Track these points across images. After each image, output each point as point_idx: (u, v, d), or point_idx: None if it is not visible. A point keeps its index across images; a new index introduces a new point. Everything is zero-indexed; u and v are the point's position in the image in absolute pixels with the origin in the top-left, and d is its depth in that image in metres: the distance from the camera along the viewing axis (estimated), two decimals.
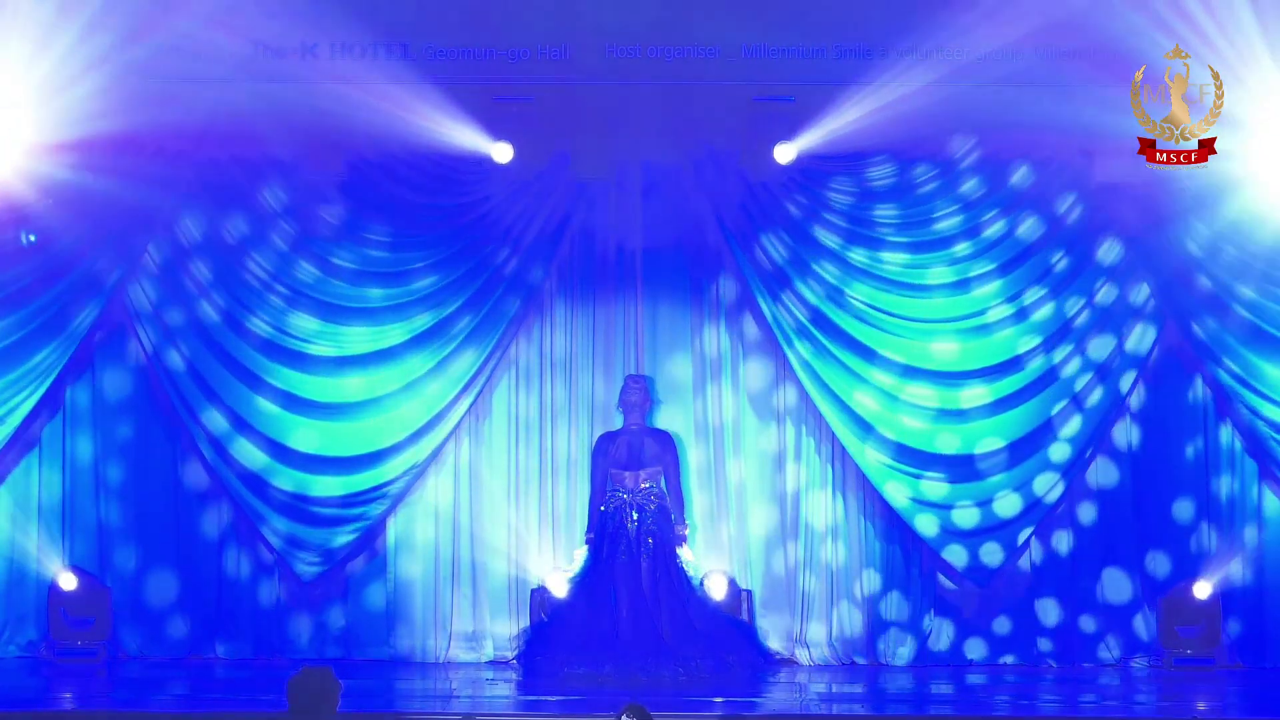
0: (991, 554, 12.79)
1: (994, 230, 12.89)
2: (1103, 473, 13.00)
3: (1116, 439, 12.97)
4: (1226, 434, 12.90)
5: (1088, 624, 12.88)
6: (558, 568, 12.59)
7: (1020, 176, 12.82)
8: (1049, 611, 12.91)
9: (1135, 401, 12.98)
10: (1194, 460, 12.92)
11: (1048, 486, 12.81)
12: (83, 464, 12.97)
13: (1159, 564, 12.89)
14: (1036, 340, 12.88)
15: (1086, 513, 12.96)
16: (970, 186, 12.87)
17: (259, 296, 12.91)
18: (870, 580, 12.97)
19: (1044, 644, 12.88)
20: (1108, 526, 12.92)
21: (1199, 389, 12.92)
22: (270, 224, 12.92)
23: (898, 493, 12.81)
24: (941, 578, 12.91)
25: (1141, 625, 12.84)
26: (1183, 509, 12.93)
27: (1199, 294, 12.70)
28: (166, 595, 12.96)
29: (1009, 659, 12.87)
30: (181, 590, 12.96)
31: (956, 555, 12.79)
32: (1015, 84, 12.05)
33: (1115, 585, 12.87)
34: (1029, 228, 12.88)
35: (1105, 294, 12.86)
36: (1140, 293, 12.86)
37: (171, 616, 12.96)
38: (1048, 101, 12.06)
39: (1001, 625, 12.93)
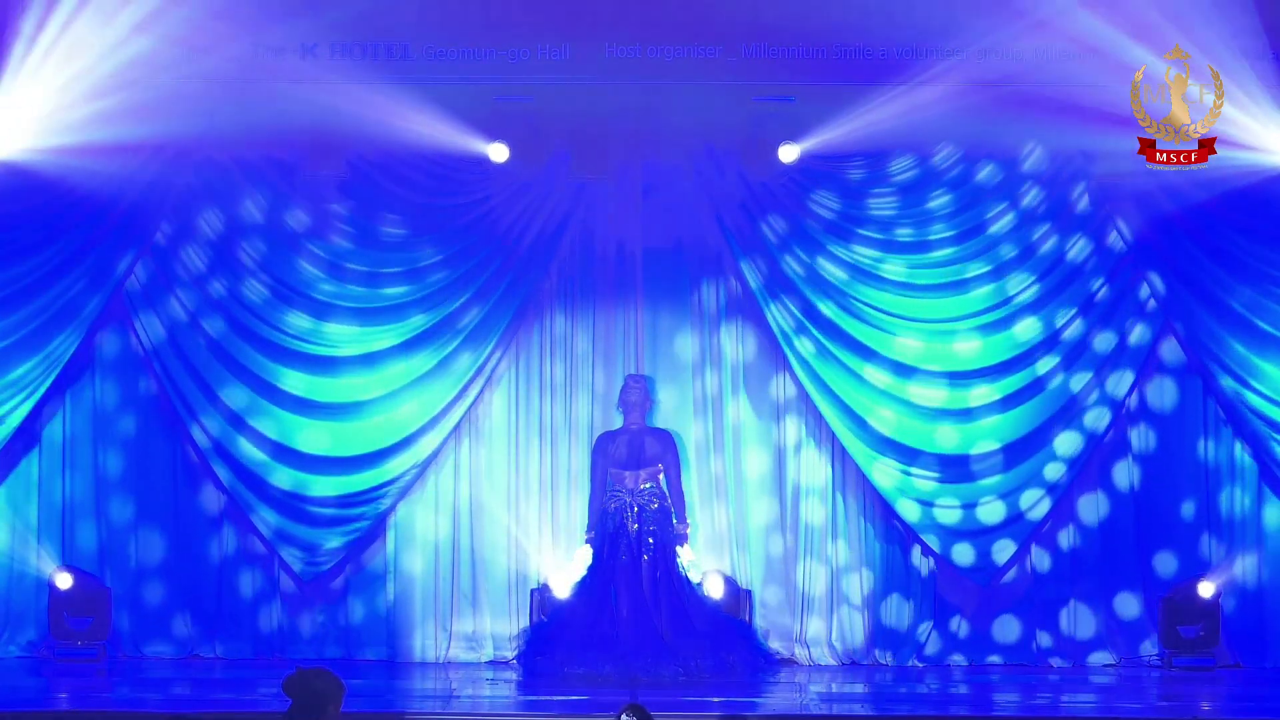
0: (999, 553, 12.80)
1: (1000, 232, 12.90)
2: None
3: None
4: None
5: (1088, 629, 12.89)
6: (561, 567, 12.58)
7: (1030, 187, 12.83)
8: (1050, 614, 12.90)
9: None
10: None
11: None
12: (84, 465, 12.97)
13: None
14: (1045, 355, 12.89)
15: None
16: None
17: (255, 294, 12.92)
18: (870, 581, 12.97)
19: (1046, 645, 12.87)
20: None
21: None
22: (269, 223, 12.94)
23: (894, 491, 12.82)
24: (941, 579, 12.91)
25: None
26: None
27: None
28: (167, 596, 12.97)
29: (1010, 659, 12.87)
30: (182, 591, 12.96)
31: (961, 554, 12.80)
32: (1022, 88, 12.05)
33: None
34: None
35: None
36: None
37: (172, 617, 12.96)
38: (1056, 107, 12.08)
39: (1003, 626, 12.92)
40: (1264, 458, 12.75)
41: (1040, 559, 12.94)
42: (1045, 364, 12.89)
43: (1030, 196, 12.87)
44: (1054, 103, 12.01)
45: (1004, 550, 12.82)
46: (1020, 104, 12.06)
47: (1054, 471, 12.82)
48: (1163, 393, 12.98)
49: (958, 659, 12.88)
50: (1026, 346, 12.90)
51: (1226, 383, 12.67)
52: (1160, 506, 12.93)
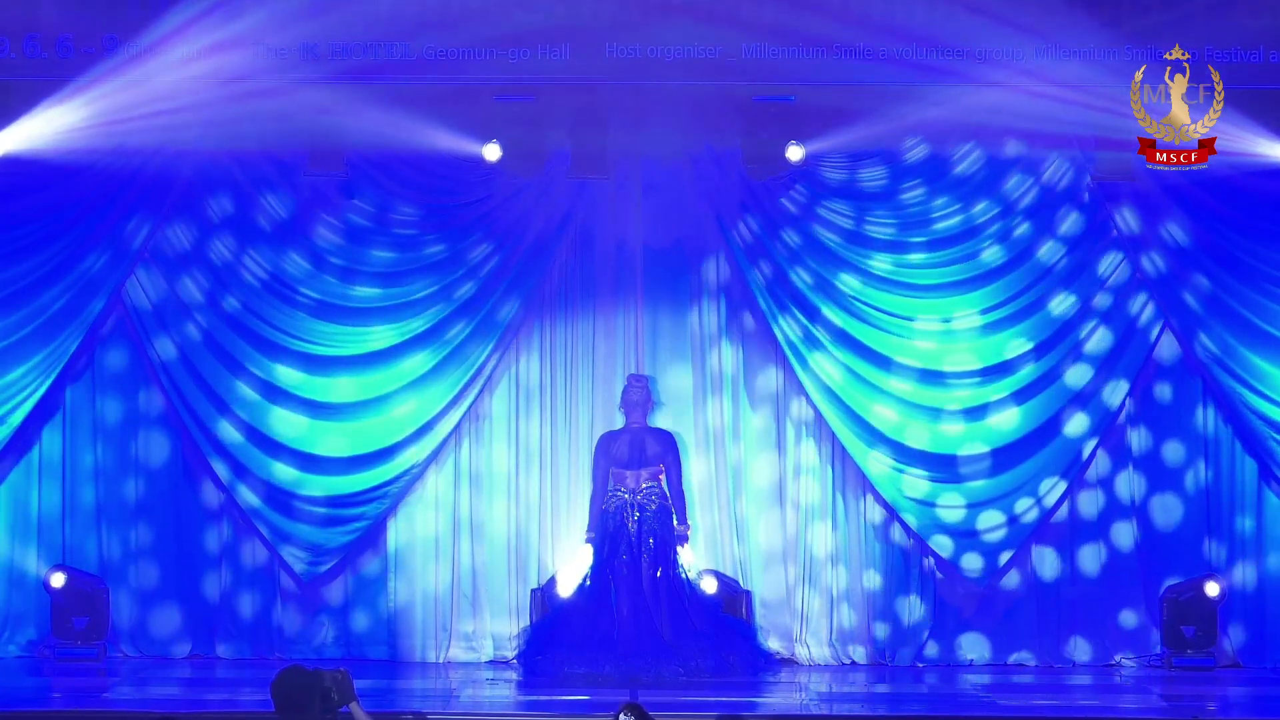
0: (1001, 555, 12.79)
1: (1003, 231, 12.94)
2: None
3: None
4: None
5: (1089, 630, 12.89)
6: (562, 567, 12.58)
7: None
8: (1051, 615, 12.89)
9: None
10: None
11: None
12: (84, 464, 12.96)
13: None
14: (1045, 355, 12.93)
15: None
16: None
17: (254, 293, 12.92)
18: (870, 581, 12.96)
19: (1046, 645, 12.87)
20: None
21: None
22: (269, 223, 12.95)
23: (895, 491, 12.82)
24: (942, 579, 12.90)
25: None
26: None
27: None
28: (167, 595, 12.96)
29: (1010, 659, 12.87)
30: (182, 590, 12.95)
31: (960, 556, 12.80)
32: (1029, 89, 12.04)
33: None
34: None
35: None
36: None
37: (171, 617, 12.95)
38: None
39: (1003, 626, 12.91)
40: (1264, 457, 12.74)
41: (1041, 560, 12.92)
42: (1045, 363, 12.89)
43: (1032, 197, 12.87)
44: (1059, 104, 12.00)
45: (1005, 553, 12.81)
46: (1026, 104, 12.06)
47: (1059, 475, 12.83)
48: (1163, 388, 12.99)
49: (958, 659, 12.87)
50: (1028, 347, 12.90)
51: (1228, 382, 12.70)
52: (1162, 503, 12.92)
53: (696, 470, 12.94)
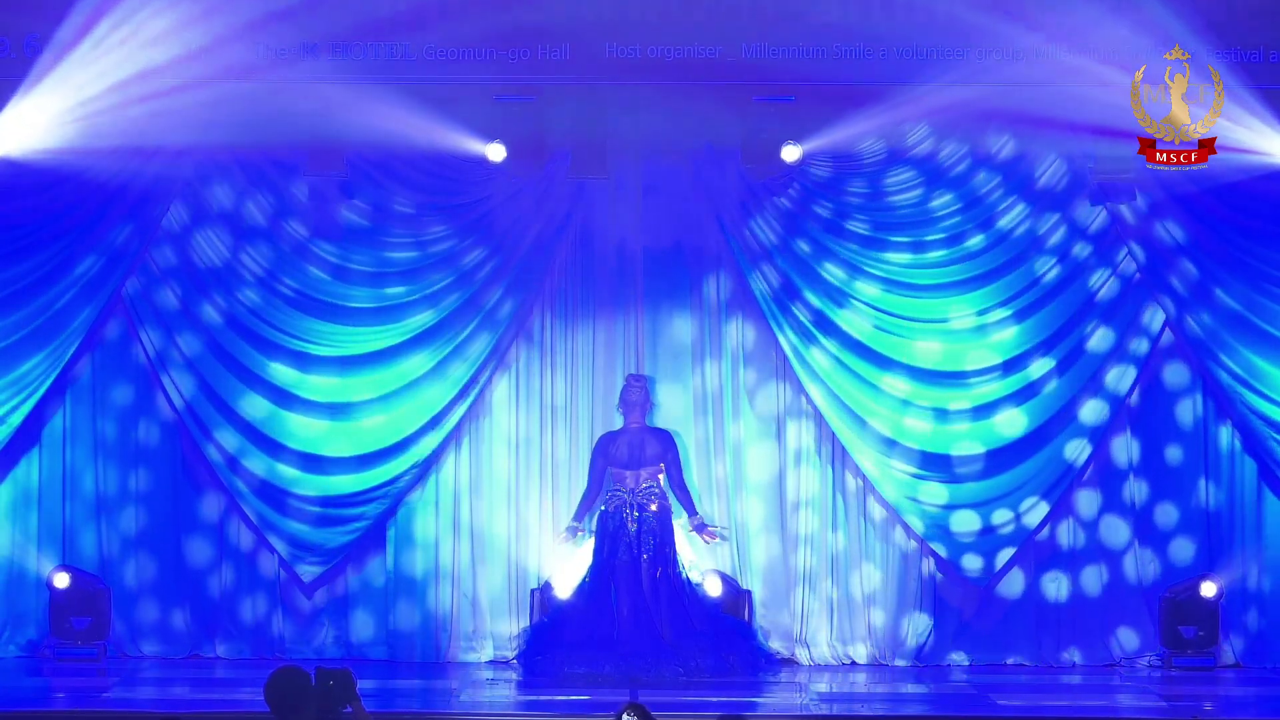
0: (999, 556, 12.79)
1: (1002, 232, 12.92)
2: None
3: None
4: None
5: (1088, 629, 12.89)
6: (561, 567, 12.58)
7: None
8: (1050, 615, 12.89)
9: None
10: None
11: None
12: (84, 465, 12.95)
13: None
14: (1042, 355, 12.92)
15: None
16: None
17: (255, 293, 12.91)
18: (870, 581, 12.96)
19: (1045, 645, 12.87)
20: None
21: None
22: (269, 222, 12.94)
23: (894, 492, 12.82)
24: (941, 579, 12.91)
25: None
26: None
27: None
28: (167, 595, 12.96)
29: (1009, 660, 12.87)
30: (181, 590, 12.95)
31: (960, 556, 12.81)
32: (1027, 89, 12.05)
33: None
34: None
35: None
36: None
37: (172, 616, 12.95)
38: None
39: (1003, 626, 12.91)
40: (1264, 457, 12.73)
41: (1040, 560, 12.92)
42: (1042, 365, 12.89)
43: (1032, 196, 12.87)
44: (1057, 104, 12.01)
45: (1004, 554, 12.81)
46: (1025, 105, 12.07)
47: (1057, 470, 12.85)
48: (1162, 387, 12.98)
49: (958, 659, 12.88)
50: (1026, 348, 12.89)
51: (1225, 380, 12.67)
52: (1160, 503, 12.92)
53: (697, 471, 12.90)
